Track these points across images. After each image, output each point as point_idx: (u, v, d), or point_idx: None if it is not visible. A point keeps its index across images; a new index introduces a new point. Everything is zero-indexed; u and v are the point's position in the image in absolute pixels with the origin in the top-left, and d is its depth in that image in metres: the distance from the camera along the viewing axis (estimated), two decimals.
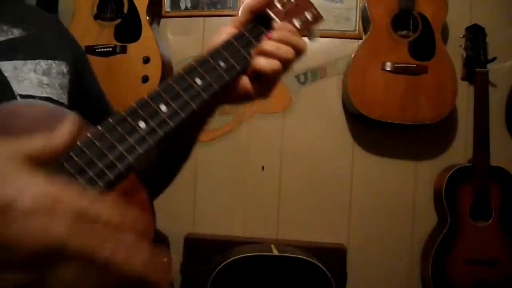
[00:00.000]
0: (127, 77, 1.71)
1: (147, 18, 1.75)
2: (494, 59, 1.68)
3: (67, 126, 0.37)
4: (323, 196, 1.86)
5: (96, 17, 1.75)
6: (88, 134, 0.41)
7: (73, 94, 0.63)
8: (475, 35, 1.70)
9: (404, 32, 1.71)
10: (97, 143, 0.41)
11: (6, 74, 0.53)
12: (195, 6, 1.94)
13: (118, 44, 1.72)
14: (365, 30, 1.81)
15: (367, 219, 1.85)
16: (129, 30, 1.74)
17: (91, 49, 1.72)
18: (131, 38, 1.73)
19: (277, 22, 0.60)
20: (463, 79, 1.78)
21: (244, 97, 0.58)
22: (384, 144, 1.86)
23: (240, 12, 0.59)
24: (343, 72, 1.82)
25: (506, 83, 1.81)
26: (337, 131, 1.88)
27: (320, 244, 1.78)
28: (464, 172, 1.66)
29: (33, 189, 0.32)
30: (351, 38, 1.87)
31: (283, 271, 1.49)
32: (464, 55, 1.72)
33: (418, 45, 1.69)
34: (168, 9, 1.94)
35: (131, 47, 1.72)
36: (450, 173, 1.66)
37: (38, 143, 0.35)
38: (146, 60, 1.71)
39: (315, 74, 1.89)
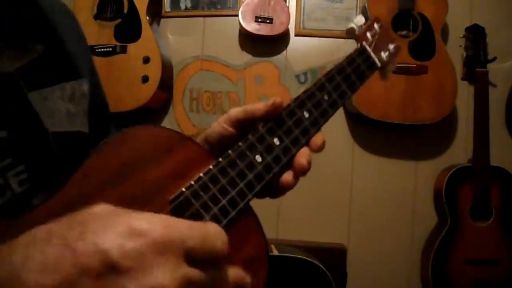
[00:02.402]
0: (127, 77, 1.71)
1: (147, 18, 1.75)
2: (494, 59, 1.68)
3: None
4: (323, 196, 1.86)
5: (96, 17, 1.75)
6: (211, 167, 0.44)
7: (92, 116, 0.60)
8: (475, 35, 1.70)
9: (404, 32, 1.71)
10: (220, 177, 0.44)
11: (36, 109, 0.50)
12: (195, 6, 1.94)
13: (118, 44, 1.72)
14: None
15: (367, 219, 1.85)
16: (129, 30, 1.74)
17: (91, 49, 1.72)
18: (131, 38, 1.73)
19: (372, 56, 0.64)
20: (463, 79, 1.78)
21: (284, 192, 0.57)
22: (384, 144, 1.86)
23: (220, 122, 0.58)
24: None
25: (506, 83, 1.81)
26: (337, 131, 1.88)
27: (320, 244, 1.78)
28: (464, 172, 1.66)
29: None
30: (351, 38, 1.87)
31: (283, 271, 1.49)
32: (464, 55, 1.72)
33: (418, 45, 1.69)
34: (168, 9, 1.94)
35: (131, 47, 1.72)
36: (450, 173, 1.66)
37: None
38: (146, 60, 1.71)
39: (315, 74, 1.89)
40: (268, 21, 1.78)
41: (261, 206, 1.81)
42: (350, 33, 0.67)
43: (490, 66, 1.68)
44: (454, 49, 1.74)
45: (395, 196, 1.85)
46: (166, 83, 1.83)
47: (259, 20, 1.78)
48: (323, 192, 1.87)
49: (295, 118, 0.52)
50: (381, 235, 1.83)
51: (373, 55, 0.64)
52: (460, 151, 1.84)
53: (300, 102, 0.54)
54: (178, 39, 1.95)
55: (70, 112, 0.55)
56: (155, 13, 1.87)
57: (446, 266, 1.62)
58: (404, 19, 1.71)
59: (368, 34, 0.65)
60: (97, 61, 1.72)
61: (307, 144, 0.54)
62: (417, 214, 1.84)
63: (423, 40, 1.69)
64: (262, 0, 1.79)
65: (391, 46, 0.68)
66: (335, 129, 1.88)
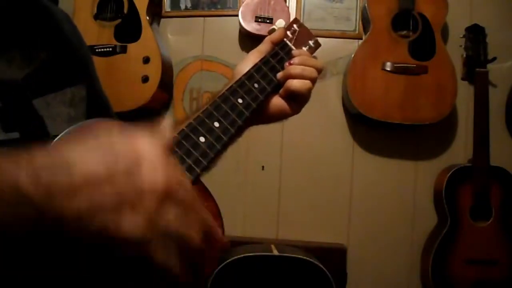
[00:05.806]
0: (127, 77, 1.71)
1: (147, 18, 1.75)
2: (494, 59, 1.68)
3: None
4: (323, 196, 1.86)
5: (96, 17, 1.75)
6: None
7: (89, 118, 0.63)
8: (475, 35, 1.70)
9: (404, 32, 1.71)
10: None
11: (40, 113, 0.54)
12: (195, 6, 1.94)
13: (118, 44, 1.72)
14: (365, 30, 1.81)
15: (367, 219, 1.85)
16: (129, 30, 1.74)
17: (91, 49, 1.72)
18: (131, 38, 1.73)
19: (293, 49, 0.73)
20: (463, 79, 1.78)
21: (280, 116, 0.71)
22: (384, 144, 1.86)
23: (262, 43, 0.72)
24: (343, 72, 1.82)
25: (506, 83, 1.81)
26: (337, 131, 1.88)
27: (320, 244, 1.78)
28: (464, 172, 1.66)
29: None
30: (351, 38, 1.87)
31: (283, 271, 1.49)
32: (464, 55, 1.72)
33: (418, 45, 1.69)
34: (168, 9, 1.94)
35: (131, 47, 1.72)
36: (450, 173, 1.66)
37: (166, 135, 0.39)
38: (146, 60, 1.71)
39: None
40: (268, 21, 1.78)
41: (261, 206, 1.82)
42: (271, 33, 0.77)
43: (490, 66, 1.68)
44: (454, 49, 1.74)
45: (395, 196, 1.85)
46: (166, 83, 1.83)
47: (259, 20, 1.78)
48: (323, 192, 1.87)
49: (231, 103, 0.61)
50: (381, 235, 1.83)
51: (294, 48, 0.73)
52: (460, 151, 1.84)
53: (233, 90, 0.62)
54: (178, 39, 1.95)
55: (70, 116, 0.58)
56: (155, 13, 1.87)
57: (446, 266, 1.62)
58: (404, 19, 1.71)
59: (288, 33, 0.75)
60: (97, 61, 1.72)
61: (244, 124, 0.62)
62: (417, 214, 1.84)
63: (423, 40, 1.69)
64: (262, 0, 1.79)
65: (311, 42, 0.78)
66: (335, 129, 1.88)
